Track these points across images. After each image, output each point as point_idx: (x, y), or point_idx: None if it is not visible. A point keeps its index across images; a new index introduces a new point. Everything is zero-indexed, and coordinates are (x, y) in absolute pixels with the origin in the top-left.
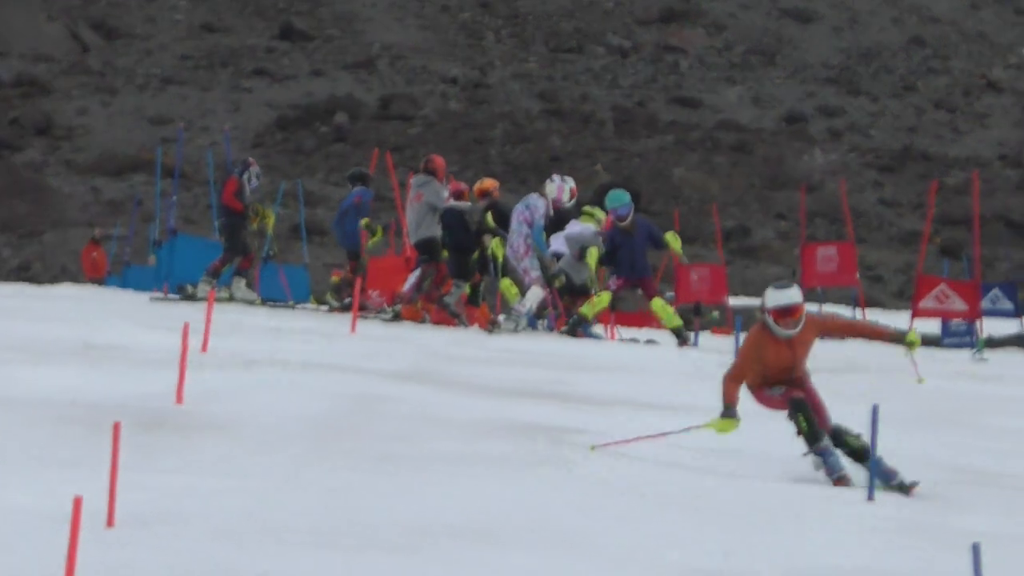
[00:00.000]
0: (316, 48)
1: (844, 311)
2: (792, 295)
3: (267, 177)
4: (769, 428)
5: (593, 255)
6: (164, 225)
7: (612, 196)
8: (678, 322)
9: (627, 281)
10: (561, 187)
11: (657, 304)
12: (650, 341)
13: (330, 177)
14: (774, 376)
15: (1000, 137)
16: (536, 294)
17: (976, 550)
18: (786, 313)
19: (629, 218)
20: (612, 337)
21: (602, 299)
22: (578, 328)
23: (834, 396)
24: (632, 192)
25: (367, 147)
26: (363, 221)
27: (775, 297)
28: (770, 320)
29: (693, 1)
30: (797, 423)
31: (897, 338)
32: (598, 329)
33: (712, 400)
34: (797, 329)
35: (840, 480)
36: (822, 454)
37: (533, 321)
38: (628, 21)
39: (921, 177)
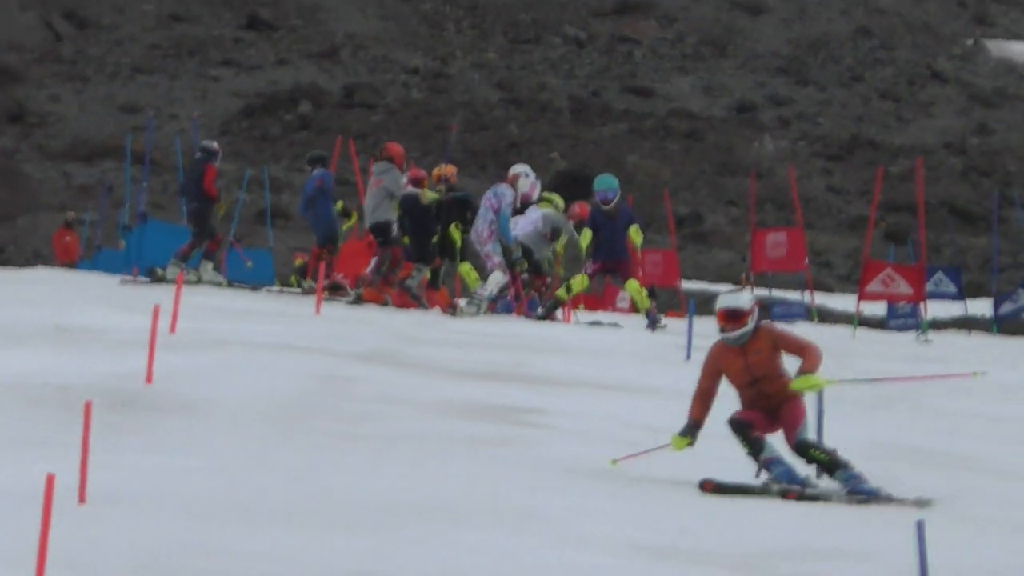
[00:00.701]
0: (281, 38)
1: (793, 295)
2: (737, 299)
3: (233, 163)
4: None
5: (586, 239)
6: (134, 210)
7: (600, 180)
8: (648, 304)
9: (604, 264)
10: (534, 184)
11: (633, 286)
12: (614, 324)
13: (295, 164)
14: (743, 390)
15: (944, 126)
16: (497, 279)
17: (920, 527)
18: (729, 317)
19: (614, 203)
20: (568, 320)
21: (580, 281)
22: (554, 311)
23: None
24: (586, 179)
25: (331, 135)
26: (338, 205)
27: (722, 299)
28: (718, 324)
29: None
30: (740, 441)
31: (801, 379)
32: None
33: (666, 380)
34: (738, 334)
35: (790, 493)
36: (768, 465)
37: (510, 306)
38: (583, 13)
39: (868, 164)
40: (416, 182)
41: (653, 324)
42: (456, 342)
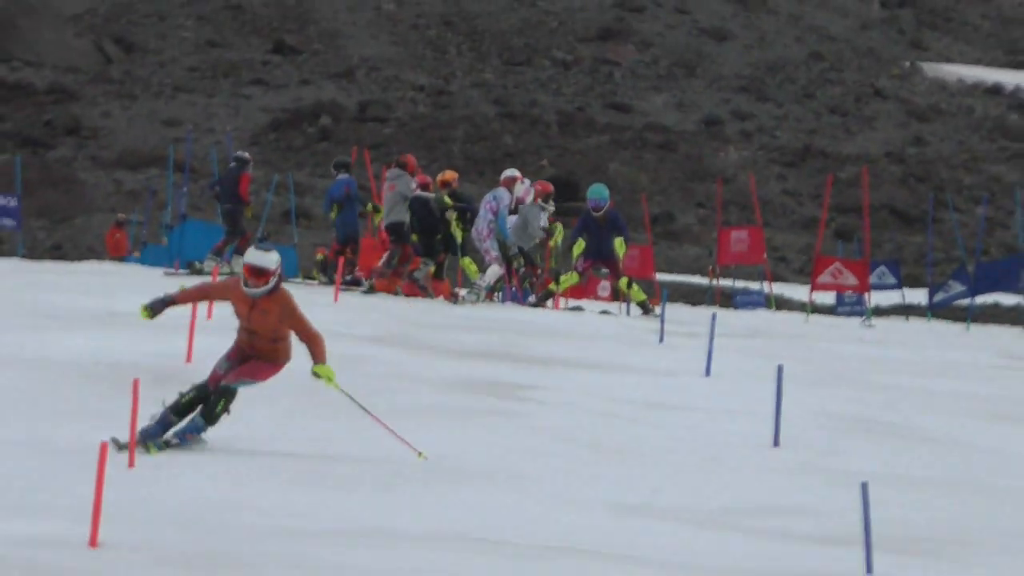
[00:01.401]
0: (304, 61)
1: (754, 285)
2: (264, 259)
3: (262, 170)
4: (690, 384)
5: (579, 247)
6: (175, 211)
7: (593, 190)
8: (642, 296)
9: (593, 262)
10: (528, 190)
11: (624, 282)
12: (604, 312)
13: (316, 170)
14: (240, 331)
15: (886, 137)
16: (494, 271)
17: (864, 488)
18: (254, 273)
19: (603, 211)
20: (557, 307)
21: (571, 277)
22: (545, 301)
23: (743, 356)
24: (572, 184)
25: (347, 145)
26: (369, 205)
27: (250, 255)
28: (242, 273)
29: (625, 21)
30: (182, 400)
31: (317, 369)
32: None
33: (641, 360)
34: (259, 291)
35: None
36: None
37: (516, 295)
38: (570, 38)
39: (819, 171)
40: (423, 187)
41: (646, 311)
42: (457, 326)
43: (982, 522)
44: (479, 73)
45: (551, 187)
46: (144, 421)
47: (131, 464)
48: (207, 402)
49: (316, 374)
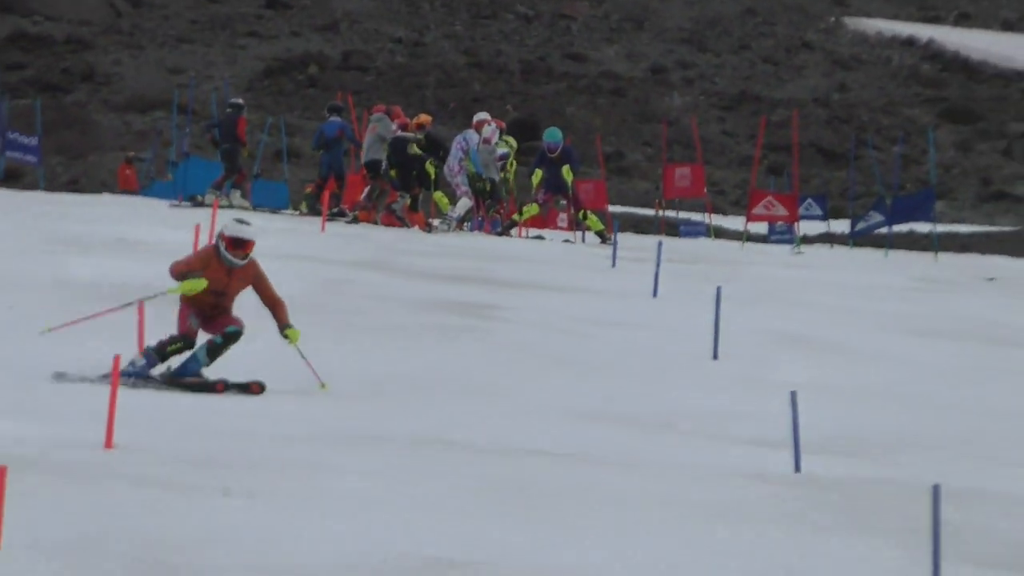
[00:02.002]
0: (294, 15)
1: (696, 216)
2: (248, 232)
3: (256, 114)
4: (639, 305)
5: (537, 176)
6: (179, 150)
7: (548, 133)
8: (600, 226)
9: (553, 195)
10: (494, 132)
11: (581, 214)
12: (566, 241)
13: (304, 114)
14: (206, 297)
15: (813, 84)
16: (464, 204)
17: (793, 396)
18: (238, 245)
19: (557, 151)
20: (520, 235)
21: (532, 208)
22: (509, 230)
23: (686, 279)
24: (534, 125)
25: (333, 91)
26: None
27: (233, 229)
28: (223, 246)
29: None
30: (171, 343)
31: (281, 329)
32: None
33: (595, 283)
34: (242, 263)
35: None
36: (147, 359)
37: (474, 224)
38: None
39: (753, 115)
40: (403, 128)
41: (603, 240)
42: (431, 253)
43: (898, 424)
44: (450, 26)
45: (503, 124)
46: (152, 338)
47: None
48: (214, 345)
49: (287, 336)
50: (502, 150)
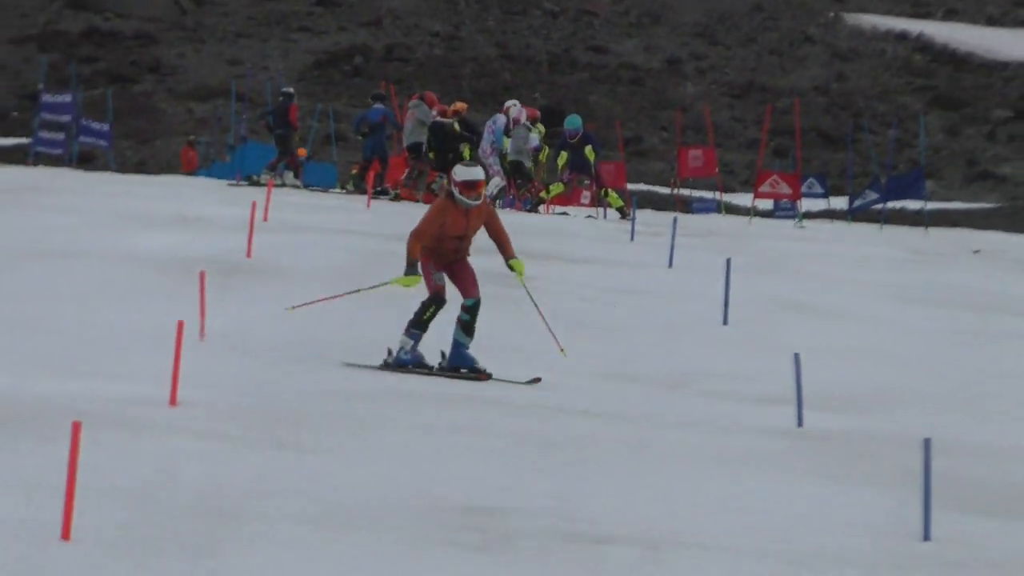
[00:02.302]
0: (341, 11)
1: (708, 194)
2: (477, 172)
3: (306, 101)
4: (655, 274)
5: (563, 159)
6: (237, 134)
7: (568, 120)
8: (620, 203)
9: (575, 175)
10: (521, 112)
11: (603, 192)
12: (589, 216)
13: (351, 101)
14: (447, 244)
15: (814, 74)
16: (496, 183)
17: (796, 358)
18: (470, 187)
19: (577, 137)
20: (547, 212)
21: (557, 187)
22: (537, 207)
23: (699, 251)
24: (559, 112)
25: (376, 81)
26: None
27: (463, 173)
28: (456, 191)
29: None
30: (424, 311)
31: (506, 260)
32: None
33: (615, 255)
34: (477, 202)
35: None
36: (413, 337)
37: (506, 202)
38: None
39: (760, 102)
40: (442, 114)
41: (623, 216)
42: None
43: (892, 383)
44: (483, 22)
45: (537, 112)
46: (213, 306)
47: (201, 337)
48: (464, 323)
49: (512, 267)
50: (535, 140)
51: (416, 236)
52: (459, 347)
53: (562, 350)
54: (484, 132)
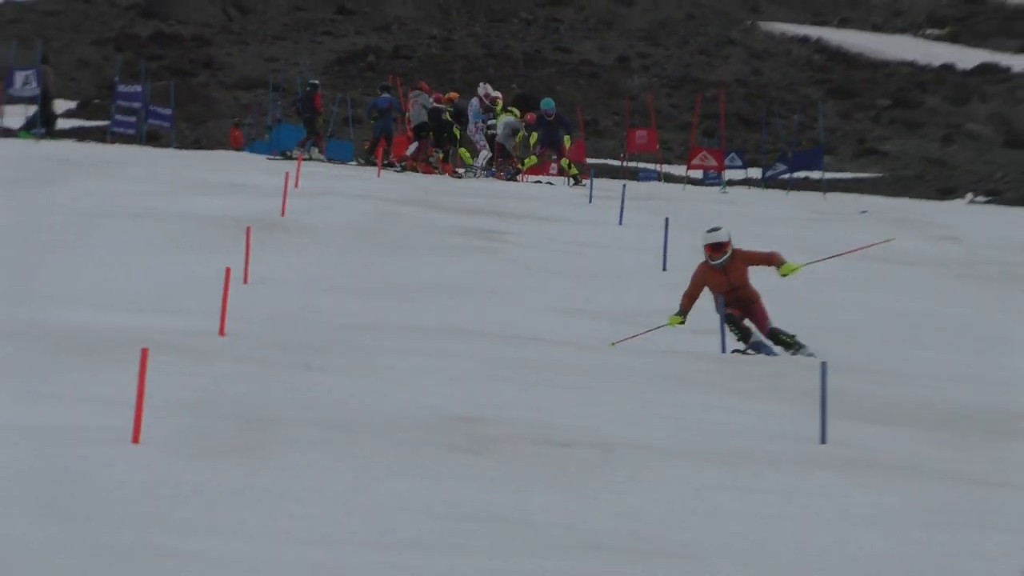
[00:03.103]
0: (357, 19)
1: (650, 166)
2: (719, 236)
3: (329, 90)
4: (608, 230)
5: (534, 138)
6: (273, 118)
7: (545, 102)
8: (575, 171)
9: (545, 149)
10: (486, 91)
11: (565, 162)
12: (549, 183)
13: (364, 91)
14: (726, 295)
15: (735, 70)
16: (484, 156)
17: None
18: (716, 248)
19: (553, 115)
20: (523, 180)
21: (531, 160)
22: (515, 177)
23: (643, 212)
24: (533, 99)
25: (385, 74)
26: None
27: (707, 237)
28: (705, 254)
29: None
30: (731, 330)
31: (783, 270)
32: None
33: (576, 214)
34: (722, 260)
35: (760, 351)
36: (755, 347)
37: (490, 172)
38: (531, 4)
39: (692, 92)
40: (438, 102)
41: (577, 183)
42: (457, 193)
43: (799, 318)
44: (471, 28)
45: (501, 96)
46: (256, 254)
47: (245, 280)
48: (776, 338)
49: (784, 273)
50: (508, 118)
51: (685, 296)
52: (764, 347)
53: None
54: (469, 114)
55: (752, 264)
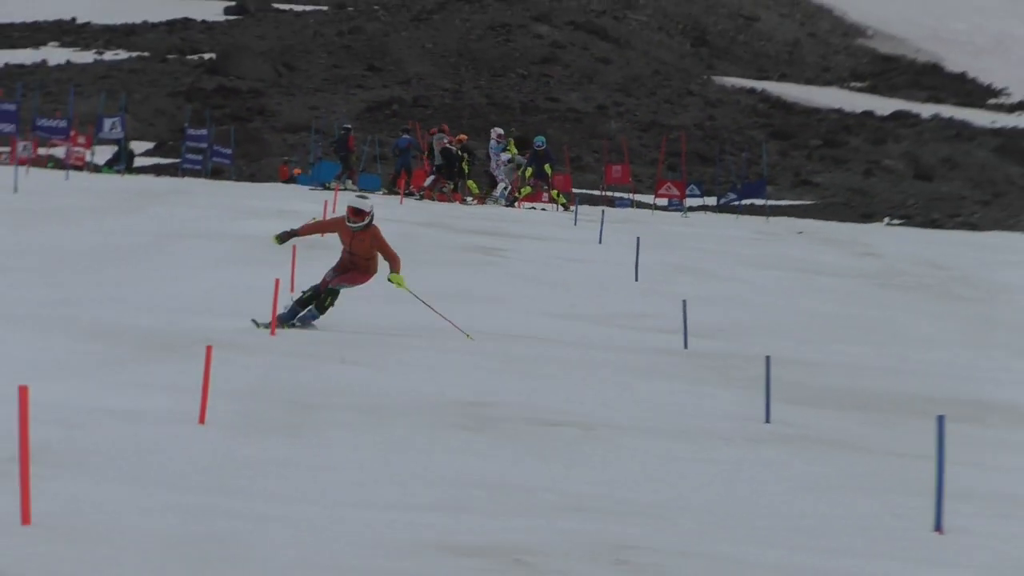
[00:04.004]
0: (384, 75)
1: (624, 195)
2: (363, 203)
3: (360, 133)
4: (591, 248)
5: (529, 171)
6: (315, 156)
7: (537, 139)
8: (563, 200)
9: (538, 181)
10: (499, 135)
11: (555, 192)
12: (543, 209)
13: (390, 133)
14: (344, 253)
15: (693, 116)
16: (501, 187)
17: (684, 304)
18: (356, 213)
19: (543, 150)
20: (519, 207)
21: (526, 190)
22: (514, 204)
23: (619, 232)
24: (528, 139)
25: (406, 119)
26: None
27: (353, 200)
28: (347, 213)
29: (556, 54)
30: (325, 301)
31: (391, 276)
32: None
33: (564, 235)
34: (358, 226)
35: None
36: (302, 319)
37: (510, 202)
38: (525, 62)
39: (659, 135)
40: (450, 142)
41: (565, 209)
42: (465, 217)
43: (747, 320)
44: (477, 81)
45: (464, 137)
46: (301, 266)
47: (291, 290)
48: (319, 298)
49: (390, 280)
50: (507, 155)
51: (312, 225)
52: (310, 314)
53: (468, 335)
54: (491, 153)
55: (378, 247)
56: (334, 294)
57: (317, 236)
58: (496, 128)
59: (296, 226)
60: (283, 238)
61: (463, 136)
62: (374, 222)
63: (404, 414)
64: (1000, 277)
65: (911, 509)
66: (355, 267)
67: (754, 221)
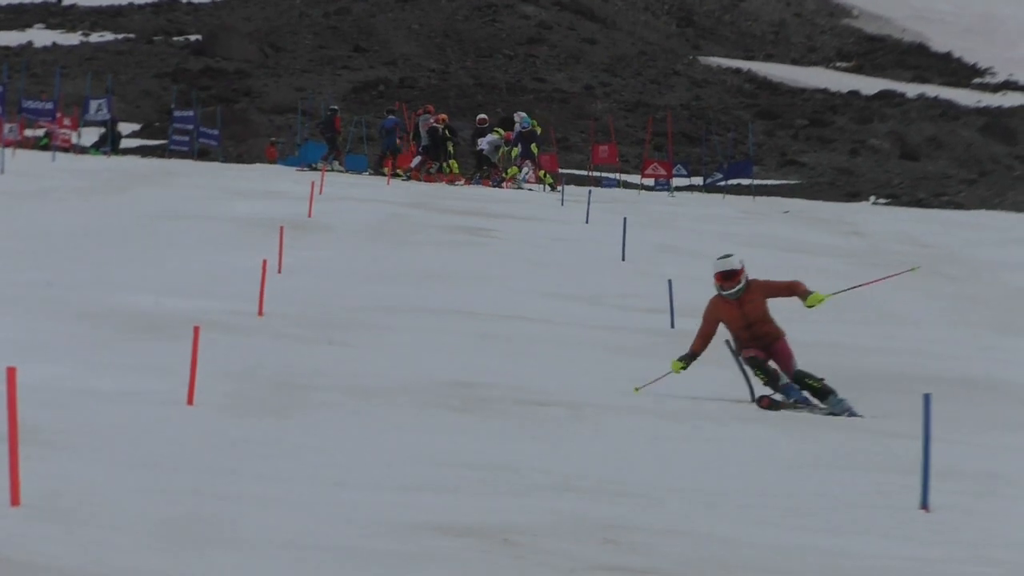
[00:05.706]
0: (370, 55)
1: (611, 175)
2: (729, 263)
3: (346, 114)
4: (577, 227)
5: (515, 152)
6: (301, 137)
7: (523, 118)
8: (550, 180)
9: (524, 160)
10: (483, 120)
11: (542, 174)
12: (530, 189)
13: (376, 114)
14: (740, 333)
15: (680, 96)
16: (526, 171)
17: (670, 283)
18: (726, 278)
19: (528, 130)
20: (506, 188)
21: (513, 170)
22: (500, 184)
23: (606, 212)
24: (512, 121)
25: (391, 101)
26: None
27: (717, 264)
28: (715, 284)
29: (543, 35)
30: (756, 374)
31: (808, 301)
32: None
33: (550, 215)
34: (735, 290)
35: (797, 403)
36: (785, 391)
37: (497, 182)
38: (511, 43)
39: (645, 114)
40: (436, 122)
41: (552, 189)
42: (452, 197)
43: None
44: (463, 62)
45: (487, 119)
46: (294, 251)
47: (279, 271)
48: (802, 383)
49: (810, 305)
50: (492, 136)
51: (697, 336)
52: (794, 392)
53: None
54: (486, 139)
55: (771, 295)
56: (806, 376)
57: (704, 330)
58: (480, 115)
59: (685, 351)
60: (685, 364)
61: (443, 116)
62: (749, 275)
63: (392, 395)
64: (985, 256)
65: (898, 487)
66: (766, 338)
67: (740, 201)
